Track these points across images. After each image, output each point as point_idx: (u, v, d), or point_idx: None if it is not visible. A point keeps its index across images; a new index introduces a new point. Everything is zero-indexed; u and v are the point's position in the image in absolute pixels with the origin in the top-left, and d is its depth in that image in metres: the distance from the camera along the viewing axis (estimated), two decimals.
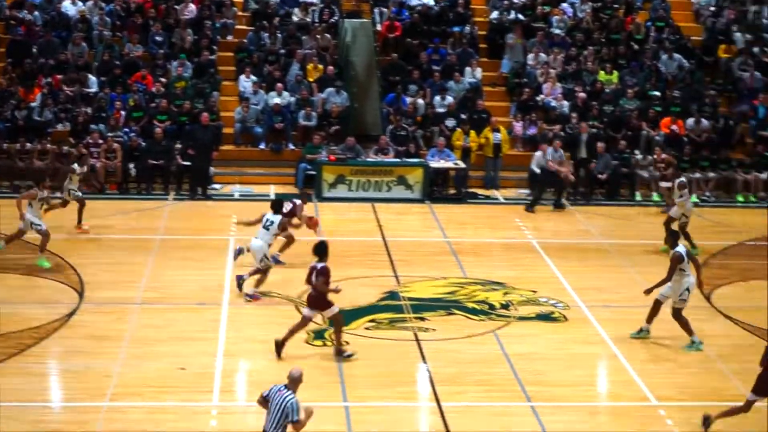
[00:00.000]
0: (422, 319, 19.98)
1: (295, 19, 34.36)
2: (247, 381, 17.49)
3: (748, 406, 15.61)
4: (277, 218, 21.02)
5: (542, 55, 33.21)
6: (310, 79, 32.09)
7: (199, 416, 15.80)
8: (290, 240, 22.66)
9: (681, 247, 19.12)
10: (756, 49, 34.06)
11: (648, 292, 19.15)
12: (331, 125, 30.65)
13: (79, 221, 24.92)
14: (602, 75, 32.79)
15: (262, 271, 20.92)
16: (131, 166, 29.02)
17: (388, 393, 16.80)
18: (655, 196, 29.43)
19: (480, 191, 29.80)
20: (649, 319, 19.41)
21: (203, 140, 28.87)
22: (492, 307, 20.79)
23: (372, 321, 19.85)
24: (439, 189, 29.38)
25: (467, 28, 34.18)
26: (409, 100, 31.47)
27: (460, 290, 21.60)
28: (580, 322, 20.29)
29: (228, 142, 30.87)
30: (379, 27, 34.07)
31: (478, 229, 26.55)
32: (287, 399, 12.89)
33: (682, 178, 25.02)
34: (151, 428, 15.35)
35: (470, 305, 20.79)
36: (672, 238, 19.54)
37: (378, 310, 20.46)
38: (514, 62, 33.31)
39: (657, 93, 32.27)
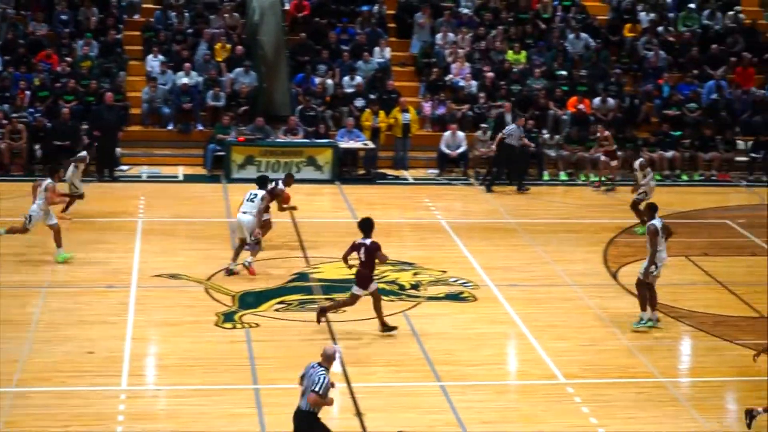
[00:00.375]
0: (332, 300, 19.99)
1: None
2: (156, 365, 17.37)
3: None
4: (262, 192, 21.33)
5: (450, 34, 33.30)
6: (219, 59, 31.85)
7: (108, 400, 15.66)
8: (267, 226, 22.37)
9: (657, 221, 19.27)
10: (660, 29, 34.47)
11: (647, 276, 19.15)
12: (240, 106, 30.46)
13: (66, 209, 24.33)
14: (510, 54, 32.97)
15: (255, 245, 21.18)
16: (37, 147, 28.60)
17: (297, 375, 16.75)
18: (593, 177, 29.66)
19: (389, 171, 29.86)
20: (652, 303, 19.38)
21: (108, 121, 28.52)
22: (402, 287, 20.86)
23: (281, 303, 19.82)
24: (349, 169, 29.38)
25: (376, 8, 34.15)
26: (318, 80, 31.39)
27: None
28: (489, 301, 20.45)
29: (135, 123, 30.55)
30: (287, 6, 33.88)
31: (387, 209, 26.59)
32: (319, 373, 13.10)
33: (642, 158, 25.42)
34: (59, 413, 15.19)
35: (380, 286, 20.77)
36: (650, 211, 19.64)
37: (287, 291, 20.43)
38: (422, 42, 33.36)
39: (564, 72, 32.54)
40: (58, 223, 21.80)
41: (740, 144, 31.21)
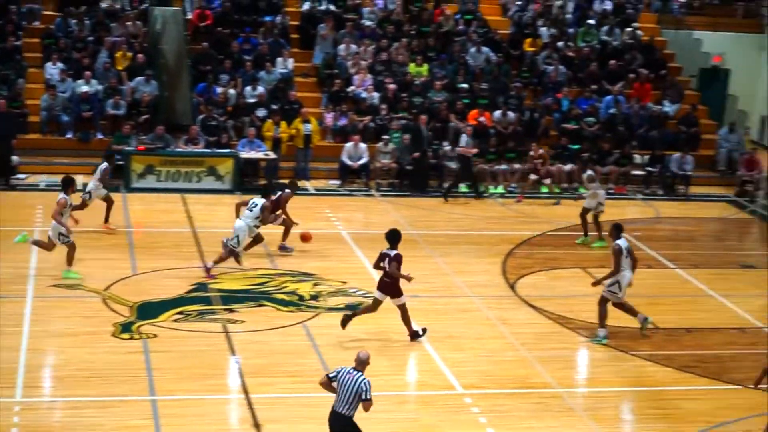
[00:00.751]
0: (231, 310, 19.87)
1: (104, 5, 33.72)
2: (51, 376, 17.11)
3: None
4: (262, 201, 21.77)
5: (353, 46, 33.36)
6: (119, 68, 31.55)
7: (2, 412, 15.37)
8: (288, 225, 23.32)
9: (622, 240, 19.50)
10: (560, 44, 34.90)
11: (595, 284, 19.62)
12: (141, 114, 30.19)
13: (107, 219, 24.39)
14: (412, 67, 33.13)
15: (228, 253, 21.56)
16: None
17: (196, 386, 16.65)
18: (546, 188, 30.12)
19: None
20: (632, 313, 19.76)
21: (2, 128, 28.05)
22: (302, 298, 20.81)
23: (180, 313, 19.64)
24: (250, 180, 29.25)
25: (279, 18, 34.09)
26: (220, 89, 31.23)
27: (270, 281, 21.56)
28: (389, 312, 20.41)
29: (34, 131, 30.11)
30: (189, 15, 33.69)
31: None
32: (360, 379, 13.50)
33: (590, 171, 25.69)
34: None
35: (280, 296, 20.77)
36: (615, 231, 19.78)
37: (186, 302, 20.26)
38: (325, 53, 33.37)
39: (465, 85, 32.77)
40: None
41: (637, 158, 31.70)
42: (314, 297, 20.91)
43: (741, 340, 20.16)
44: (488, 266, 23.48)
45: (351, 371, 13.69)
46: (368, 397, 13.50)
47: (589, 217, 25.08)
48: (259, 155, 29.35)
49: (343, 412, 13.57)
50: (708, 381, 18.20)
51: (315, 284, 21.60)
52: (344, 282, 21.83)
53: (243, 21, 33.85)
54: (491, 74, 33.28)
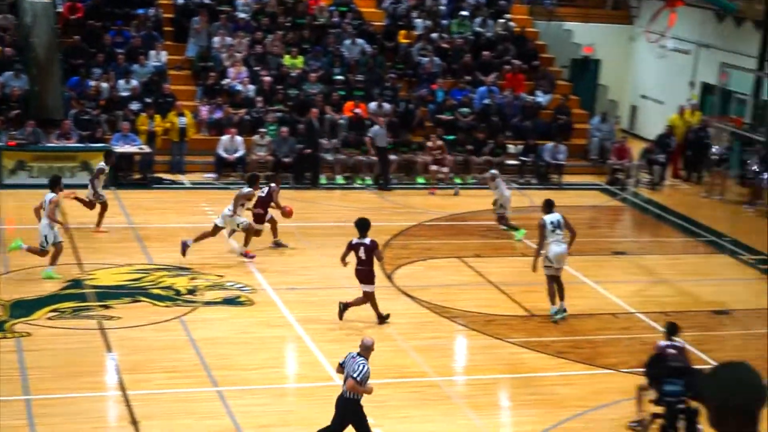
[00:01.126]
0: (107, 307, 19.64)
1: None
2: None
3: None
4: (247, 189, 22.58)
5: (228, 38, 33.16)
6: None
7: None
8: (273, 223, 23.71)
9: (549, 215, 20.23)
10: (434, 35, 35.12)
11: (534, 269, 20.32)
12: (11, 109, 29.59)
13: (99, 223, 24.22)
14: (287, 59, 33.05)
15: (249, 231, 22.69)
16: None
17: (72, 384, 16.44)
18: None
19: (166, 176, 29.55)
20: (559, 295, 20.44)
21: None
22: (178, 292, 20.65)
23: (55, 311, 19.34)
24: (124, 174, 28.90)
25: (152, 11, 33.71)
26: (92, 83, 30.78)
27: (146, 277, 21.35)
28: (267, 305, 20.45)
29: None
30: (60, 8, 33.12)
31: (164, 214, 26.29)
32: (359, 363, 14.09)
33: (493, 170, 25.96)
34: None
35: (156, 291, 20.59)
36: (545, 206, 20.49)
37: (61, 299, 19.95)
38: (199, 46, 33.10)
39: (341, 77, 32.81)
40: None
41: (511, 148, 32.07)
42: (191, 291, 20.76)
43: (614, 325, 20.57)
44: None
45: (355, 356, 14.28)
46: (356, 376, 13.94)
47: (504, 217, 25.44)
48: (134, 149, 29.01)
49: (347, 395, 14.17)
50: (582, 366, 18.54)
51: (192, 278, 21.45)
52: (221, 276, 21.73)
53: (115, 14, 33.40)
54: (366, 66, 33.37)
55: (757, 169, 29.46)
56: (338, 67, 33.16)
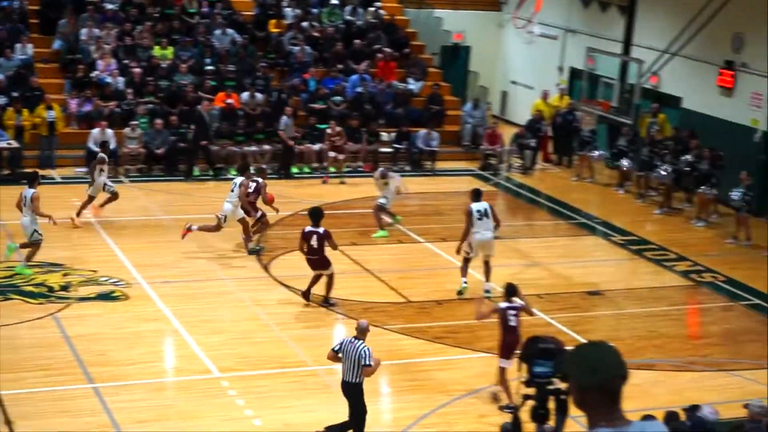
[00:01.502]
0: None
1: None
2: None
3: None
4: (239, 179, 22.64)
5: (96, 30, 32.60)
6: None
7: None
8: (265, 223, 23.78)
9: (474, 204, 20.97)
10: (305, 24, 35.02)
11: (458, 251, 21.03)
12: None
13: (81, 211, 24.62)
14: (157, 50, 32.64)
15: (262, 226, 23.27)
16: None
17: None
18: (332, 168, 30.00)
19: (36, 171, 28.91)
20: (463, 273, 21.13)
21: None
22: (51, 289, 20.28)
23: None
24: None
25: (16, 3, 32.97)
26: None
27: (18, 274, 20.90)
28: (142, 299, 20.21)
29: None
30: None
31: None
32: (360, 347, 14.56)
33: (381, 169, 26.14)
34: None
35: (27, 289, 20.19)
36: (473, 195, 21.38)
37: None
38: (66, 38, 32.48)
39: (212, 67, 32.50)
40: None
41: (384, 135, 32.11)
42: (64, 287, 20.40)
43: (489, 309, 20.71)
44: (241, 248, 23.39)
45: (352, 340, 14.72)
46: (368, 362, 14.44)
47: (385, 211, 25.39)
48: (2, 144, 28.37)
49: (351, 380, 14.59)
50: (460, 351, 18.71)
51: (65, 275, 21.08)
52: (95, 271, 21.39)
53: None
54: (237, 56, 33.11)
55: (624, 152, 30.00)
56: (209, 57, 32.85)
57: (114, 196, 24.92)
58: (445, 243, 24.47)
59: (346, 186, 29.32)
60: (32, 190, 21.15)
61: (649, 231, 26.82)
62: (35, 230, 21.02)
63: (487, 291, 20.98)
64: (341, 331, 19.70)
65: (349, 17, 35.98)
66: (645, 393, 17.24)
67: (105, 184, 24.82)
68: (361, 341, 14.72)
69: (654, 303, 21.88)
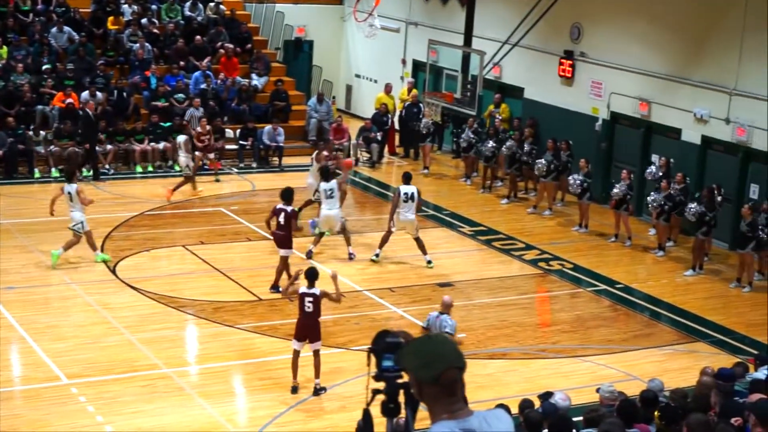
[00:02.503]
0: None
1: None
2: None
3: None
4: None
5: None
6: None
7: None
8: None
9: (404, 187, 22.73)
10: (144, 21, 34.53)
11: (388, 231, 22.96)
12: None
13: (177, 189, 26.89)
14: None
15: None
16: None
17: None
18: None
19: None
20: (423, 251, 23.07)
21: None
22: None
23: None
24: None
25: None
26: None
27: None
28: None
29: None
30: None
31: None
32: (446, 320, 16.25)
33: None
34: None
35: None
36: (404, 178, 23.19)
37: None
38: None
39: (49, 66, 31.80)
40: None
41: (229, 132, 31.86)
42: None
43: (341, 305, 20.63)
44: (86, 251, 22.95)
45: (438, 315, 16.28)
46: (450, 331, 15.91)
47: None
48: None
49: None
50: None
51: None
52: None
53: None
54: (76, 54, 32.44)
55: (473, 143, 30.30)
56: (46, 56, 32.14)
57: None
58: (294, 239, 24.38)
59: (198, 184, 28.95)
60: (74, 185, 22.07)
61: (496, 221, 27.16)
62: (81, 222, 21.93)
63: (429, 261, 23.08)
64: (192, 331, 19.55)
65: (189, 13, 35.60)
66: (498, 382, 17.52)
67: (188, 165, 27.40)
68: (445, 314, 16.29)
69: (504, 292, 22.22)
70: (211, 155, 30.08)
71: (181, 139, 27.96)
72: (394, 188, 24.15)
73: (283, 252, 20.96)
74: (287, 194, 21.07)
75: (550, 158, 27.62)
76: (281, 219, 20.73)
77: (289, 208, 20.82)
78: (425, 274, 22.89)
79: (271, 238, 21.52)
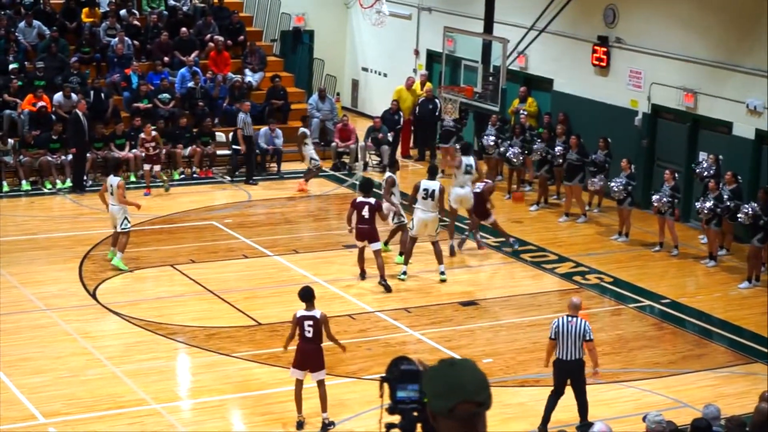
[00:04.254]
0: None
1: None
2: None
3: None
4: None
5: None
6: None
7: None
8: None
9: (426, 182, 23.17)
10: (123, 12, 34.55)
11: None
12: None
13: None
14: None
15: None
16: None
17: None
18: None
19: None
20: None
21: None
22: None
23: None
24: None
25: None
26: None
27: None
28: None
29: None
30: None
31: None
32: (581, 324, 16.56)
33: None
34: None
35: None
36: (429, 172, 24.05)
37: None
38: None
39: (15, 65, 31.83)
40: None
41: (220, 136, 31.76)
42: None
43: (352, 328, 20.84)
44: (62, 273, 23.08)
45: (569, 319, 16.59)
46: (591, 337, 16.65)
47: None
48: None
49: (575, 357, 16.51)
50: None
51: None
52: None
53: None
54: (47, 51, 32.49)
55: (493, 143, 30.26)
56: (13, 54, 32.23)
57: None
58: (297, 255, 24.53)
59: (179, 196, 29.04)
60: (117, 178, 23.39)
61: (525, 230, 27.17)
62: (125, 218, 23.09)
63: (442, 273, 23.31)
64: (183, 362, 19.60)
65: (173, 2, 35.69)
66: (530, 412, 17.55)
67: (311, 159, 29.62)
68: (578, 318, 16.60)
69: (535, 311, 22.24)
70: (157, 167, 29.92)
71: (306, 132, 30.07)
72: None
73: (374, 246, 22.60)
74: (367, 186, 22.84)
75: (575, 157, 27.61)
76: (365, 212, 22.28)
77: (372, 200, 22.43)
78: (445, 292, 22.91)
79: (352, 232, 22.83)
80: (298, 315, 16.67)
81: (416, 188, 23.30)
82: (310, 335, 16.58)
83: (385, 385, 5.90)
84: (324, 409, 16.89)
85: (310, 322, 16.57)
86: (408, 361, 5.88)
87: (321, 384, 16.78)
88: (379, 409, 5.89)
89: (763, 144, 26.34)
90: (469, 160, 24.95)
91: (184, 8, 35.61)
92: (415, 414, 5.64)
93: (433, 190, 23.11)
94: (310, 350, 16.66)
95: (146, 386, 18.17)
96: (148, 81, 32.50)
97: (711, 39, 27.28)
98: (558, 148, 28.48)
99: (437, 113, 32.55)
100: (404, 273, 23.32)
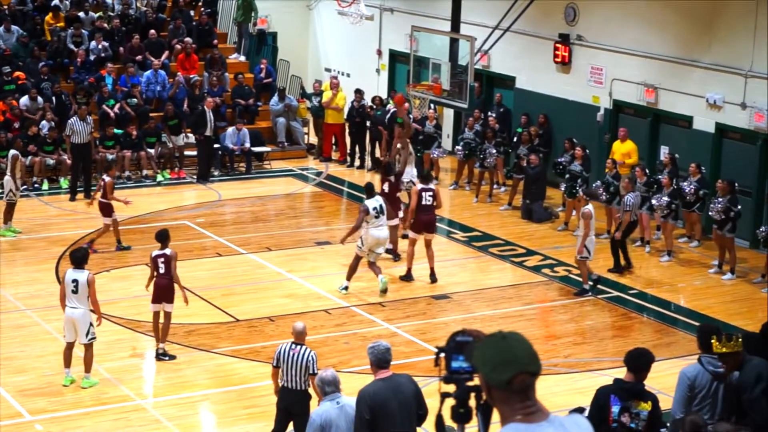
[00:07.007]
0: None
1: None
2: None
3: None
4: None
5: None
6: None
7: None
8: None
9: (370, 201, 22.01)
10: (82, 14, 34.14)
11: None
12: None
13: None
14: None
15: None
16: None
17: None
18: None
19: None
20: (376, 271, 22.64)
21: None
22: None
23: None
24: None
25: None
26: None
27: None
28: None
29: None
30: None
31: None
32: (306, 353, 14.88)
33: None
34: None
35: None
36: (368, 190, 22.67)
37: None
38: None
39: None
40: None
41: (190, 137, 31.48)
42: None
43: (328, 323, 20.92)
44: (39, 274, 23.01)
45: (292, 347, 14.93)
46: (315, 370, 14.63)
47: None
48: None
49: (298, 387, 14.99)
50: None
51: None
52: None
53: None
54: (16, 55, 32.25)
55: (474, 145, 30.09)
56: None
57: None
58: (270, 253, 24.57)
59: (154, 195, 29.02)
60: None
61: (492, 225, 27.30)
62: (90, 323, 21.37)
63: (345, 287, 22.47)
64: (164, 358, 19.60)
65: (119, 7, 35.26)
66: None
67: None
68: (303, 347, 14.99)
69: (506, 303, 22.38)
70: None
71: None
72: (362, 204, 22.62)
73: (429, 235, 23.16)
74: (428, 176, 24.12)
75: (578, 168, 27.17)
76: (428, 200, 22.93)
77: (432, 186, 23.37)
78: (418, 286, 23.01)
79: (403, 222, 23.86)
80: (153, 255, 19.09)
81: (365, 212, 21.98)
82: (162, 271, 18.86)
83: (441, 357, 6.05)
84: (163, 340, 19.01)
85: (162, 259, 18.83)
86: (463, 333, 6.02)
87: (168, 316, 18.92)
88: (438, 381, 6.05)
89: (723, 137, 26.62)
90: (375, 202, 22.43)
91: (130, 11, 35.07)
92: (469, 384, 5.78)
93: (380, 205, 22.21)
94: (163, 284, 18.90)
95: (129, 383, 18.23)
96: (121, 84, 32.15)
97: (670, 35, 27.53)
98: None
99: (410, 115, 32.29)
100: (345, 288, 22.39)
